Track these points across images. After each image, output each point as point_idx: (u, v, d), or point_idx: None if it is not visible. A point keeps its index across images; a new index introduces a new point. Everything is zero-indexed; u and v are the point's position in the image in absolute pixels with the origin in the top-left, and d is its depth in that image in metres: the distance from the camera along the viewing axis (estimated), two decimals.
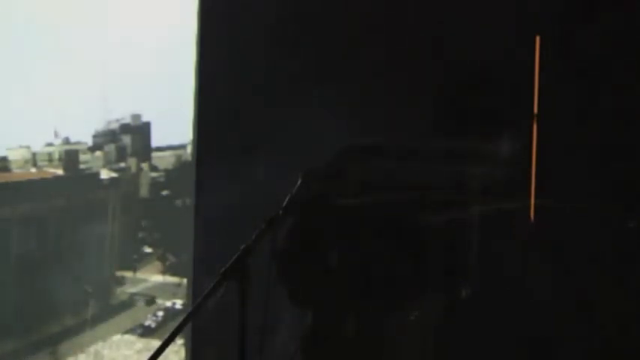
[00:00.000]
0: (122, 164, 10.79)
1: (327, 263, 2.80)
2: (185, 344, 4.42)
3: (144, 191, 10.84)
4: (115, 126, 10.67)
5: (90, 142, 10.69)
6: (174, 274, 10.46)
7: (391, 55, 3.62)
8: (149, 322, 10.34)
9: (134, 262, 10.76)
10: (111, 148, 10.67)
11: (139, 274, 10.72)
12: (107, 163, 10.68)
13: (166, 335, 2.27)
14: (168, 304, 10.44)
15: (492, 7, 3.47)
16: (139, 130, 10.80)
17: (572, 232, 3.32)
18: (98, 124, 10.58)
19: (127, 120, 10.68)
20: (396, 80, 3.55)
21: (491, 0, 3.50)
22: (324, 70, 3.71)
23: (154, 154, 10.88)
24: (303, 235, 2.80)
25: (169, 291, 10.50)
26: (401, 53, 3.59)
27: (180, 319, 2.33)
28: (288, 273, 2.82)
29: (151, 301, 10.43)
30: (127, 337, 10.11)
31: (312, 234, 2.80)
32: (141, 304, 10.56)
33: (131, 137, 10.72)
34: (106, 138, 10.71)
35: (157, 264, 10.75)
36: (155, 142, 10.74)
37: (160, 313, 10.40)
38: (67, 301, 9.78)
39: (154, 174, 10.82)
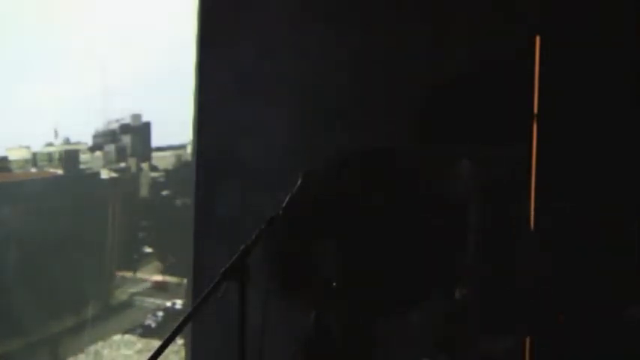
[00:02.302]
0: (122, 164, 10.77)
1: (327, 263, 2.79)
2: (185, 344, 4.42)
3: (144, 191, 10.82)
4: (115, 126, 10.66)
5: (90, 142, 10.67)
6: (174, 274, 10.44)
7: (390, 55, 3.62)
8: (149, 322, 10.32)
9: (134, 262, 10.74)
10: (111, 148, 10.64)
11: (139, 274, 10.71)
12: (107, 163, 10.66)
13: (166, 335, 2.27)
14: (168, 304, 10.42)
15: (492, 7, 3.47)
16: (139, 130, 10.78)
17: (572, 232, 3.32)
18: (98, 124, 10.56)
19: (127, 120, 10.66)
20: (395, 81, 3.55)
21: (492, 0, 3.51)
22: (325, 70, 3.71)
23: (154, 154, 10.86)
24: (302, 234, 2.80)
25: (169, 291, 10.48)
26: (400, 56, 3.59)
27: (181, 319, 2.33)
28: (286, 273, 2.82)
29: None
30: (127, 337, 10.09)
31: (311, 233, 2.80)
32: (141, 304, 10.55)
33: (131, 137, 10.70)
34: (106, 138, 10.69)
35: (157, 264, 10.73)
36: (155, 142, 10.72)
37: (160, 313, 10.38)
38: (66, 302, 9.78)
39: (154, 174, 10.80)
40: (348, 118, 3.64)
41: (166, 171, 10.61)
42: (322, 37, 3.69)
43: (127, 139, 10.58)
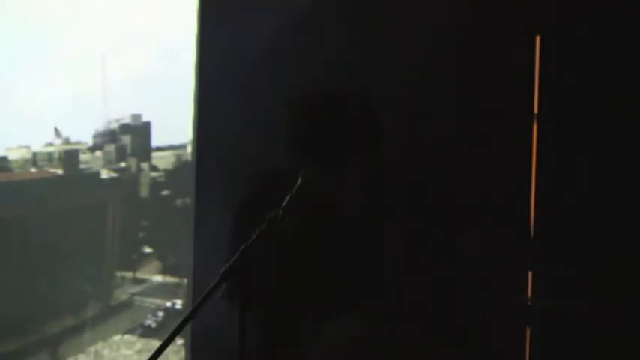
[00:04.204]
0: (122, 164, 10.77)
1: (326, 263, 2.78)
2: (185, 344, 4.42)
3: (144, 191, 10.82)
4: (115, 126, 10.66)
5: (90, 142, 10.67)
6: (174, 274, 10.44)
7: (390, 56, 3.62)
8: (149, 322, 10.32)
9: (134, 262, 10.75)
10: (111, 148, 10.64)
11: (139, 274, 10.71)
12: (107, 163, 10.66)
13: (166, 335, 2.27)
14: (168, 304, 10.42)
15: (492, 7, 3.47)
16: (139, 130, 10.78)
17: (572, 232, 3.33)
18: (98, 124, 10.57)
19: (127, 120, 10.67)
20: (393, 79, 3.55)
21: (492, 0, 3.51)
22: (325, 69, 3.71)
23: (154, 154, 10.85)
24: (303, 234, 2.79)
25: (169, 291, 10.49)
26: (401, 58, 3.59)
27: (181, 319, 2.33)
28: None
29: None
30: (127, 337, 10.09)
31: (311, 234, 2.79)
32: (141, 304, 10.55)
33: (131, 137, 10.70)
34: (106, 138, 10.69)
35: (157, 264, 10.74)
36: (155, 142, 10.72)
37: (160, 313, 10.38)
38: (66, 302, 9.78)
39: (154, 174, 10.80)
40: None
41: (166, 171, 10.60)
42: (328, 37, 3.69)
43: (127, 139, 10.58)
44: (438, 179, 3.30)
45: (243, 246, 2.34)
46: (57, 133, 10.23)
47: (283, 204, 2.45)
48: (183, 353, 4.63)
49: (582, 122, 3.34)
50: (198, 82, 4.07)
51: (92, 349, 9.83)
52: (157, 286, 10.58)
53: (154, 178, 10.67)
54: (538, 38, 3.42)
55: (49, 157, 10.41)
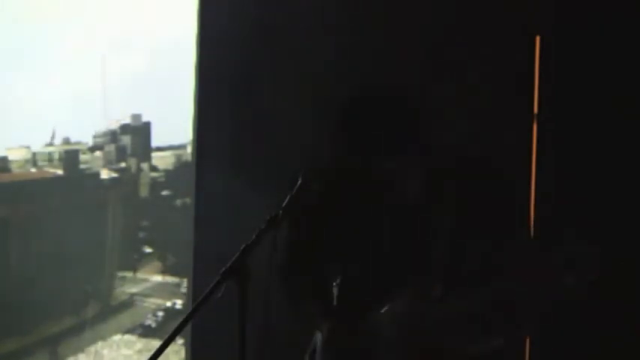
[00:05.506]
0: (122, 164, 10.77)
1: (328, 265, 2.78)
2: (185, 344, 4.42)
3: (144, 191, 10.82)
4: (115, 126, 10.66)
5: (90, 142, 10.67)
6: (174, 274, 10.44)
7: (389, 56, 3.62)
8: (149, 322, 10.32)
9: (134, 262, 10.75)
10: (111, 148, 10.65)
11: (139, 274, 10.71)
12: (107, 163, 10.67)
13: (166, 335, 2.27)
14: (168, 304, 10.42)
15: (492, 7, 3.48)
16: (139, 130, 10.78)
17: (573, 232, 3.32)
18: (98, 124, 10.57)
19: (127, 120, 10.67)
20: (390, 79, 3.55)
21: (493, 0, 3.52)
22: (324, 69, 3.72)
23: (154, 154, 10.86)
24: (302, 236, 2.78)
25: (169, 291, 10.49)
26: (400, 58, 3.60)
27: (181, 319, 2.33)
28: (288, 279, 2.79)
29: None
30: (127, 337, 10.09)
31: (312, 234, 2.78)
32: (141, 304, 10.56)
33: (131, 137, 10.71)
34: (106, 138, 10.69)
35: (157, 264, 10.74)
36: (155, 142, 10.72)
37: (160, 313, 10.38)
38: (66, 302, 9.78)
39: (154, 174, 10.80)
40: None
41: (166, 171, 10.60)
42: (328, 37, 3.70)
43: (127, 139, 10.57)
44: None
45: (243, 246, 2.34)
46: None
47: (283, 204, 2.45)
48: (183, 353, 4.63)
49: (582, 122, 3.34)
50: (198, 82, 4.08)
51: (92, 349, 9.82)
52: (157, 286, 10.58)
53: (154, 178, 10.66)
54: (538, 38, 3.42)
55: (49, 157, 10.40)
